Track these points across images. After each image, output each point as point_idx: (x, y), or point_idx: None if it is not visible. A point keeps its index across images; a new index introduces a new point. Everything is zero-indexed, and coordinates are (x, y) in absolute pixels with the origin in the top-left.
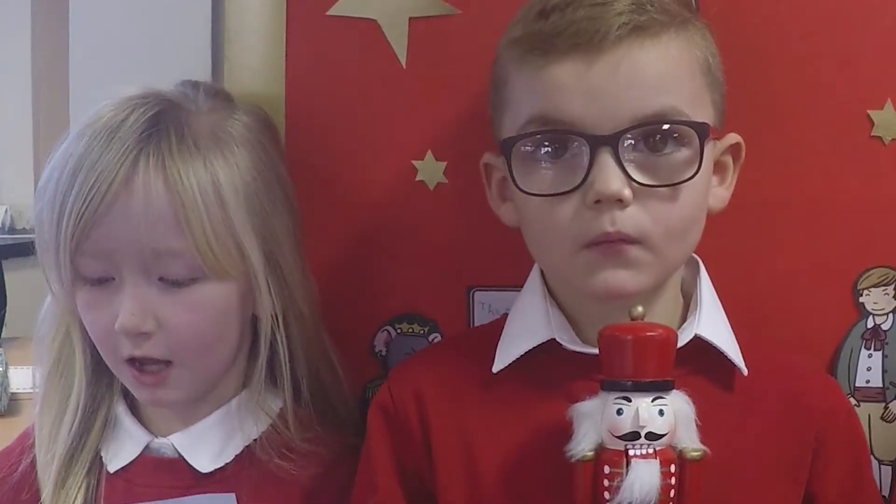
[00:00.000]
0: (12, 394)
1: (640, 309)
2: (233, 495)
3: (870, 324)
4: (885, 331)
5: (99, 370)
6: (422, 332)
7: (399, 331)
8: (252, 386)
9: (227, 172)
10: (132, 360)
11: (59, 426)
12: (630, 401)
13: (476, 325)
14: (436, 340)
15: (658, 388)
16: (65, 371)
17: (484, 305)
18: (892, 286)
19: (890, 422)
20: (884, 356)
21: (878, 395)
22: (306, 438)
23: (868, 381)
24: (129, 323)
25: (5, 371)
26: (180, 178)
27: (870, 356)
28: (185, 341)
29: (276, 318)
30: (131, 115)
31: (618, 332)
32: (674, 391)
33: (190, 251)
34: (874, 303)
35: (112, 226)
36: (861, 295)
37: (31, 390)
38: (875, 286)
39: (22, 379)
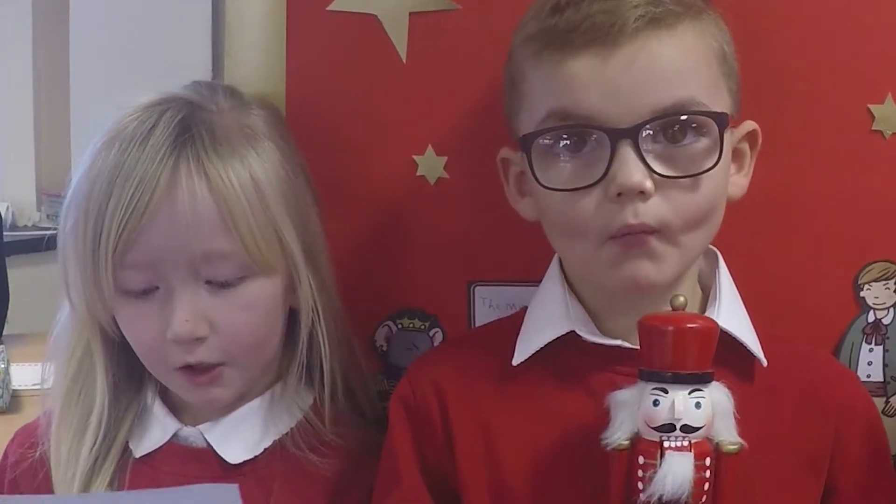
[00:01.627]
0: (14, 390)
1: (681, 299)
2: (236, 486)
3: (870, 318)
4: (885, 325)
5: (122, 384)
6: (423, 327)
7: (400, 326)
8: (288, 379)
9: (262, 167)
10: (185, 367)
11: (79, 446)
12: (667, 392)
13: (477, 320)
14: (436, 335)
15: (696, 380)
16: (84, 389)
17: (485, 300)
18: (893, 280)
19: (891, 416)
20: (885, 350)
21: (879, 390)
22: (336, 433)
23: (869, 376)
24: (182, 330)
25: (7, 367)
26: (222, 179)
27: (871, 350)
28: (239, 341)
29: (317, 311)
30: (159, 121)
31: (658, 322)
32: (713, 383)
33: (238, 250)
34: (875, 297)
35: (157, 234)
36: (862, 289)
37: (33, 387)
38: (876, 280)
39: (24, 375)
